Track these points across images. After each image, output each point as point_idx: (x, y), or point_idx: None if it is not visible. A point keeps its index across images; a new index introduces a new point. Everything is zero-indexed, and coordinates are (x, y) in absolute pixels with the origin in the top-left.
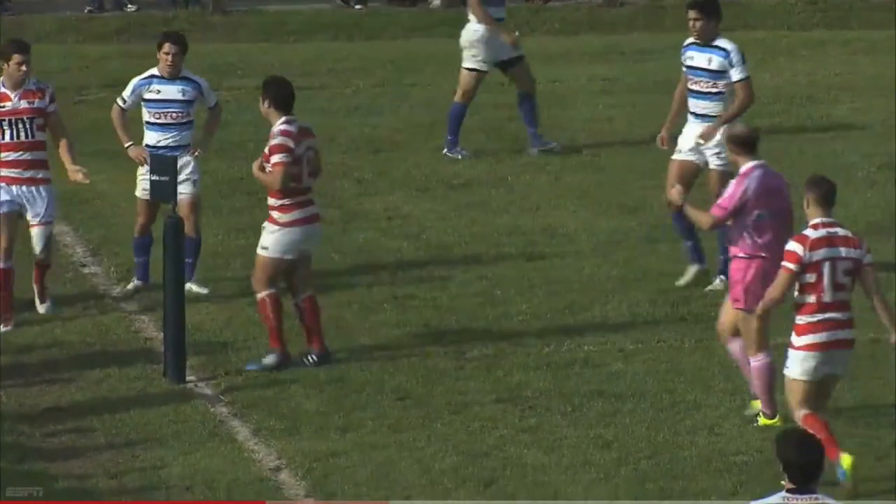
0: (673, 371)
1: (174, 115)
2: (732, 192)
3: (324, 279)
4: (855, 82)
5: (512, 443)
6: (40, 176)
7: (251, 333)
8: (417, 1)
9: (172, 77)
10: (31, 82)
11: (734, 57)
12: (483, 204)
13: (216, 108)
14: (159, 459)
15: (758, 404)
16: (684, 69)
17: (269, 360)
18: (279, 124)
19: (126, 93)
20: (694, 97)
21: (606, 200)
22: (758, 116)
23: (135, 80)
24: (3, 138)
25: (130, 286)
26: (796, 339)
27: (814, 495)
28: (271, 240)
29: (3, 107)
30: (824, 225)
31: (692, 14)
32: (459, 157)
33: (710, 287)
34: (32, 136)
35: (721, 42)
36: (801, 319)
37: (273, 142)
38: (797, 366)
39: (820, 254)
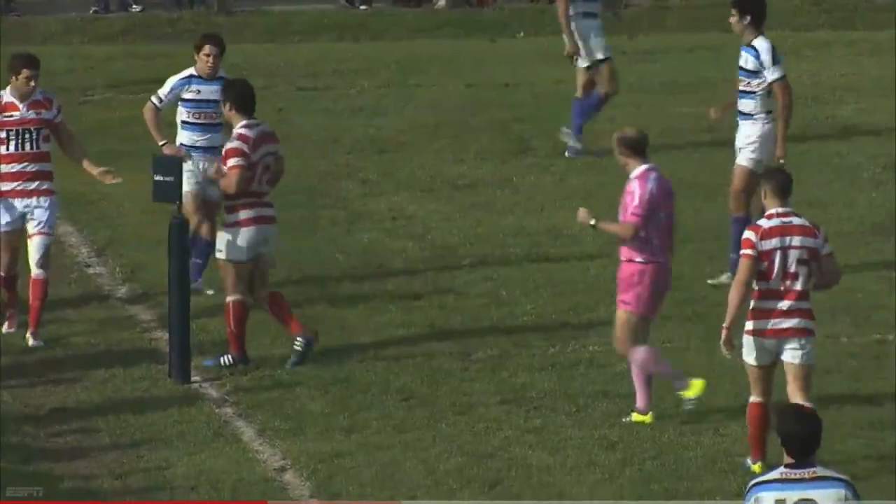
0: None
1: (212, 114)
2: (640, 196)
3: (328, 280)
4: (859, 83)
5: (517, 443)
6: (45, 187)
7: (256, 333)
8: (422, 1)
9: (210, 77)
10: (38, 93)
11: (765, 57)
12: (488, 205)
13: None
14: (164, 460)
15: (638, 417)
16: None
17: (226, 360)
18: (238, 128)
19: (163, 92)
20: (738, 95)
21: (611, 201)
22: None
23: (173, 80)
24: (8, 149)
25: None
26: (746, 325)
27: (812, 468)
28: (223, 243)
29: (11, 116)
30: (779, 215)
31: (731, 12)
32: (574, 154)
33: (714, 281)
34: (38, 147)
35: (757, 42)
36: (752, 304)
37: (230, 145)
38: (744, 349)
39: (771, 243)
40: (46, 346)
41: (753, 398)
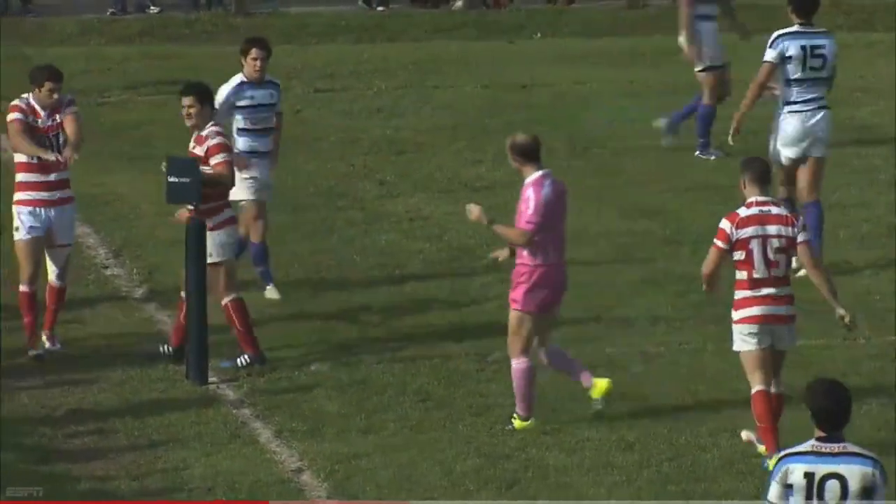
0: (695, 373)
1: (268, 119)
2: (535, 203)
3: (345, 281)
4: (878, 85)
5: (534, 445)
6: (66, 195)
7: (273, 335)
8: (439, 3)
9: (259, 81)
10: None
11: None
12: (505, 206)
13: (280, 112)
14: (181, 461)
15: (520, 424)
16: None
17: (243, 360)
18: (211, 126)
19: (217, 100)
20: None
21: (628, 203)
22: None
23: (225, 90)
24: (31, 157)
25: (274, 296)
26: (733, 314)
27: (842, 443)
28: (216, 245)
29: (36, 123)
30: (757, 203)
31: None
32: (713, 157)
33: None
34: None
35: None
36: (736, 295)
37: (213, 141)
38: (736, 339)
39: (748, 231)
40: (62, 348)
41: (758, 387)
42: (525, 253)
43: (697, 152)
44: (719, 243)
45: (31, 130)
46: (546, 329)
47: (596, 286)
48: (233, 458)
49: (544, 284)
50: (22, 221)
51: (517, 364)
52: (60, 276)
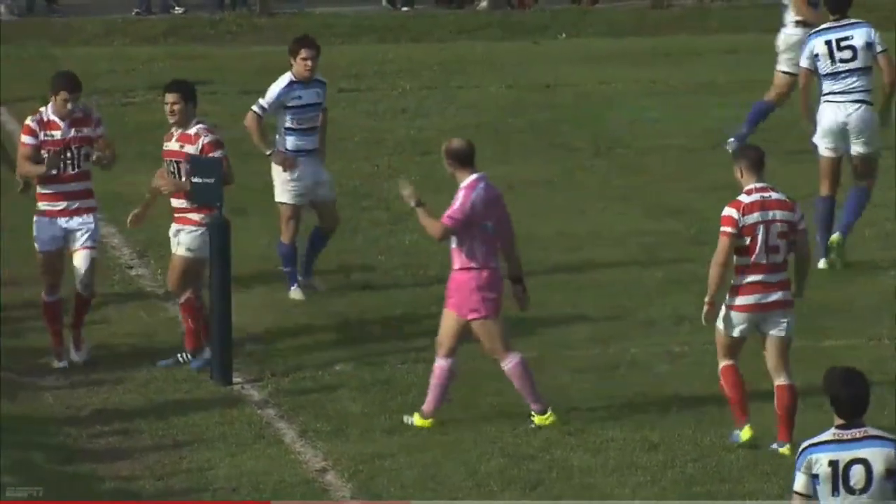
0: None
1: (315, 118)
2: (462, 203)
3: (370, 280)
4: None
5: (558, 445)
6: (87, 206)
7: (298, 335)
8: (464, 3)
9: (308, 81)
10: (77, 109)
11: None
12: (529, 206)
13: (325, 108)
14: (206, 461)
15: (540, 419)
16: None
17: (206, 354)
18: (199, 124)
19: (266, 101)
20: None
21: (652, 203)
22: None
23: (275, 89)
24: (48, 171)
25: (299, 296)
26: (728, 299)
27: (863, 428)
28: (198, 241)
29: (52, 136)
30: (757, 190)
31: None
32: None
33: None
34: (79, 167)
35: None
36: (734, 281)
37: (207, 139)
38: (722, 320)
39: (754, 217)
40: (88, 357)
41: (726, 362)
42: (458, 259)
43: (732, 140)
44: (729, 229)
45: (48, 145)
46: (463, 335)
47: (620, 286)
48: (257, 458)
49: (479, 290)
50: (38, 234)
51: (508, 364)
52: (85, 285)
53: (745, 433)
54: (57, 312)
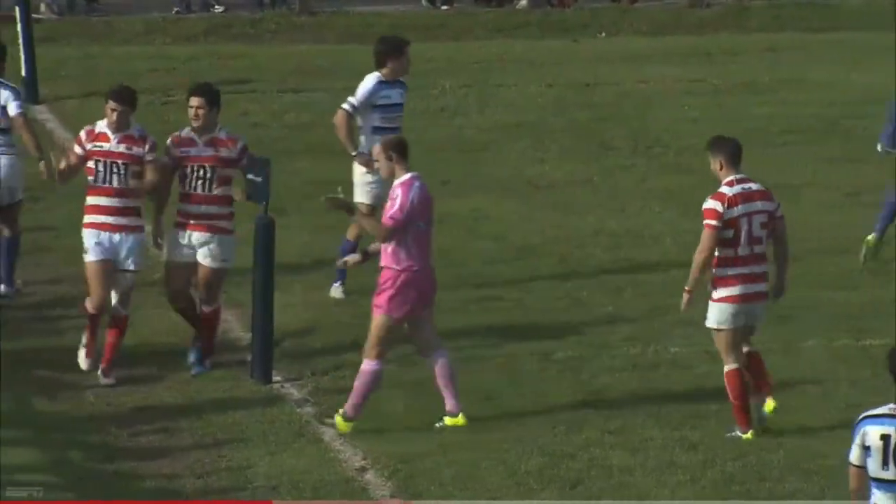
0: None
1: (400, 118)
2: (402, 202)
3: None
4: None
5: (597, 444)
6: (133, 224)
7: (337, 334)
8: (504, 2)
9: (393, 81)
10: (135, 129)
11: None
12: (568, 205)
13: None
14: (246, 459)
15: (343, 425)
16: None
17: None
18: (225, 130)
19: (357, 99)
20: None
21: (691, 202)
22: (849, 117)
23: (365, 87)
24: (96, 181)
25: (339, 295)
26: (713, 293)
27: None
28: (231, 250)
29: (100, 147)
30: (738, 181)
31: None
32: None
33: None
34: (125, 184)
35: None
36: (718, 273)
37: (242, 144)
38: (713, 316)
39: (738, 209)
40: (115, 385)
41: (732, 366)
42: (390, 258)
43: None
44: (713, 222)
45: (94, 155)
46: (425, 333)
47: (660, 285)
48: (297, 457)
49: (411, 289)
50: (88, 244)
51: (367, 366)
52: (122, 303)
53: (750, 436)
54: (97, 325)
